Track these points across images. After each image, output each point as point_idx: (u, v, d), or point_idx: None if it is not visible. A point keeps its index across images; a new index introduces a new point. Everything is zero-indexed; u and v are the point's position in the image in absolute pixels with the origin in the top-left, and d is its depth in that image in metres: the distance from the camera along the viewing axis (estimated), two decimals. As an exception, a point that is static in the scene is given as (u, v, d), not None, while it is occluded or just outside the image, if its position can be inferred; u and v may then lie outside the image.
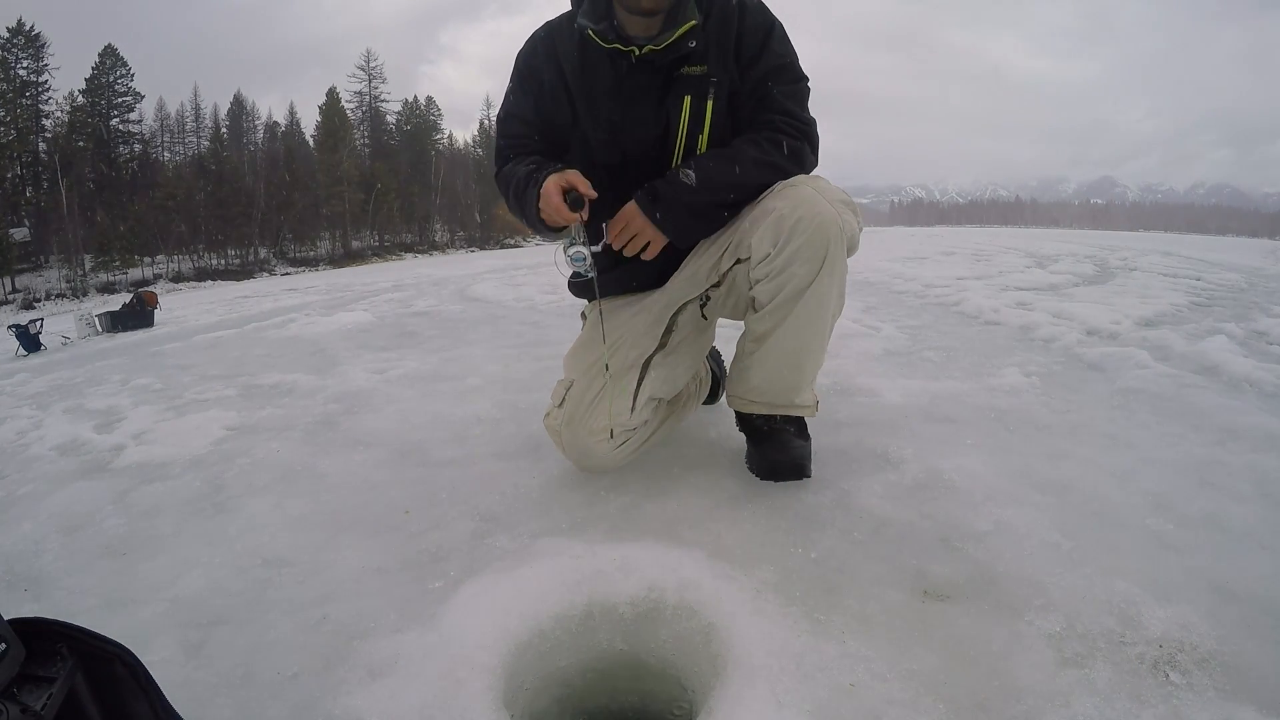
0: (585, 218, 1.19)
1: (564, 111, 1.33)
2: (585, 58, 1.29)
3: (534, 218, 1.25)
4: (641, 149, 1.30)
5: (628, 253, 1.30)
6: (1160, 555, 1.09)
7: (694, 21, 1.22)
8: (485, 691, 0.86)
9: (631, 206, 1.26)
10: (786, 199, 1.20)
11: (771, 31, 1.29)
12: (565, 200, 1.17)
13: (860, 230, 1.27)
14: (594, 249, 1.23)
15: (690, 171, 1.23)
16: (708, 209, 1.27)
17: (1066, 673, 0.85)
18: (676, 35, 1.22)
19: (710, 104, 1.27)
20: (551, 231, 1.25)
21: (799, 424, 1.40)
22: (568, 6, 1.34)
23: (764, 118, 1.27)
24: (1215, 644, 0.88)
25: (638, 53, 1.24)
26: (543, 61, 1.34)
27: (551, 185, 1.18)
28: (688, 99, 1.26)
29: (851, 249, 1.25)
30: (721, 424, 1.69)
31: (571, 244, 1.21)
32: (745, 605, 0.98)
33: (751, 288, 1.28)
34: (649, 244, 1.28)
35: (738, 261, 1.30)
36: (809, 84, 1.33)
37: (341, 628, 1.02)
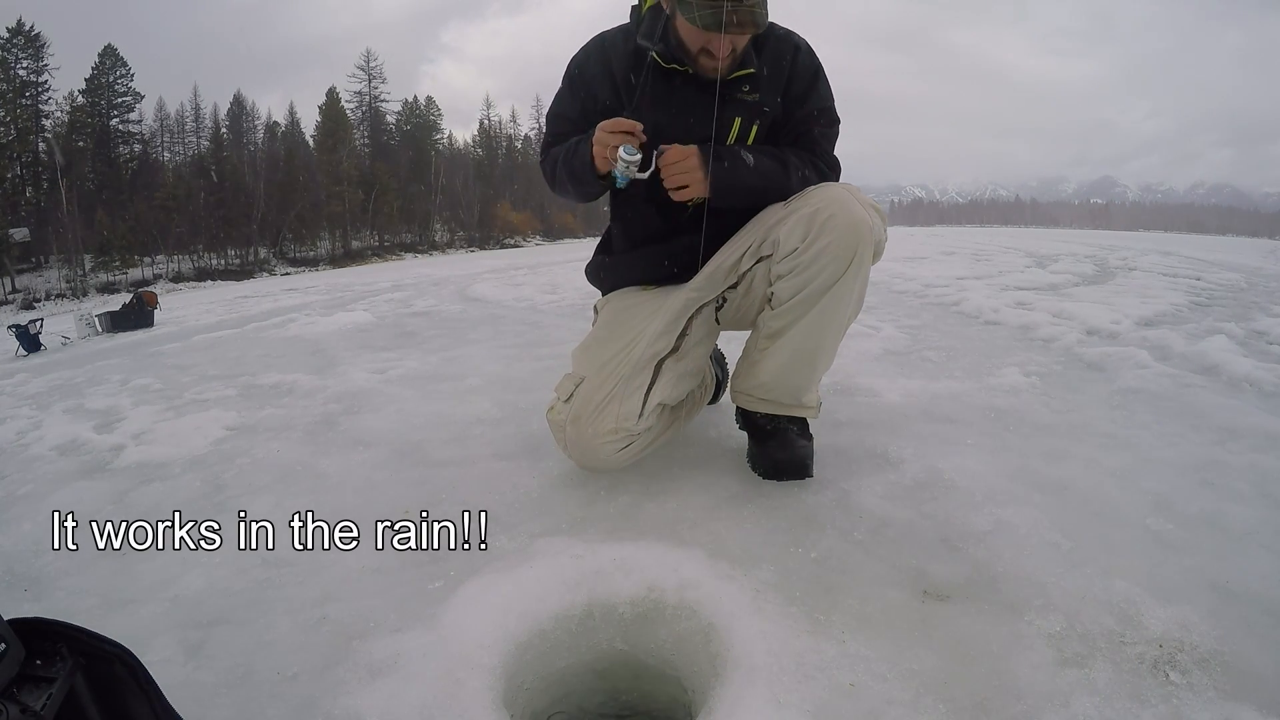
0: (642, 138, 1.24)
1: (616, 113, 1.34)
2: (638, 71, 1.33)
3: (586, 164, 1.29)
4: None
5: (668, 184, 1.29)
6: (1160, 555, 1.09)
7: (752, 70, 1.29)
8: (485, 691, 0.86)
9: (694, 151, 1.27)
10: (819, 198, 1.24)
11: (818, 75, 1.37)
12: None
13: (885, 239, 1.30)
14: (641, 175, 1.24)
15: (750, 156, 1.29)
16: (750, 192, 1.33)
17: (1066, 673, 0.85)
18: (734, 75, 1.28)
19: (756, 128, 1.33)
20: (599, 180, 1.30)
21: (801, 424, 1.41)
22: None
23: (804, 145, 1.35)
24: (1215, 644, 0.88)
25: (692, 70, 1.30)
26: (595, 69, 1.39)
27: (605, 122, 1.24)
28: (738, 120, 1.32)
29: (877, 254, 1.28)
30: (722, 423, 1.69)
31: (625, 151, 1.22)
32: (745, 605, 0.98)
33: (772, 284, 1.29)
34: (687, 186, 1.29)
35: (759, 260, 1.32)
36: (839, 125, 1.40)
37: (341, 628, 1.02)
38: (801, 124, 1.36)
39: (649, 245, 1.44)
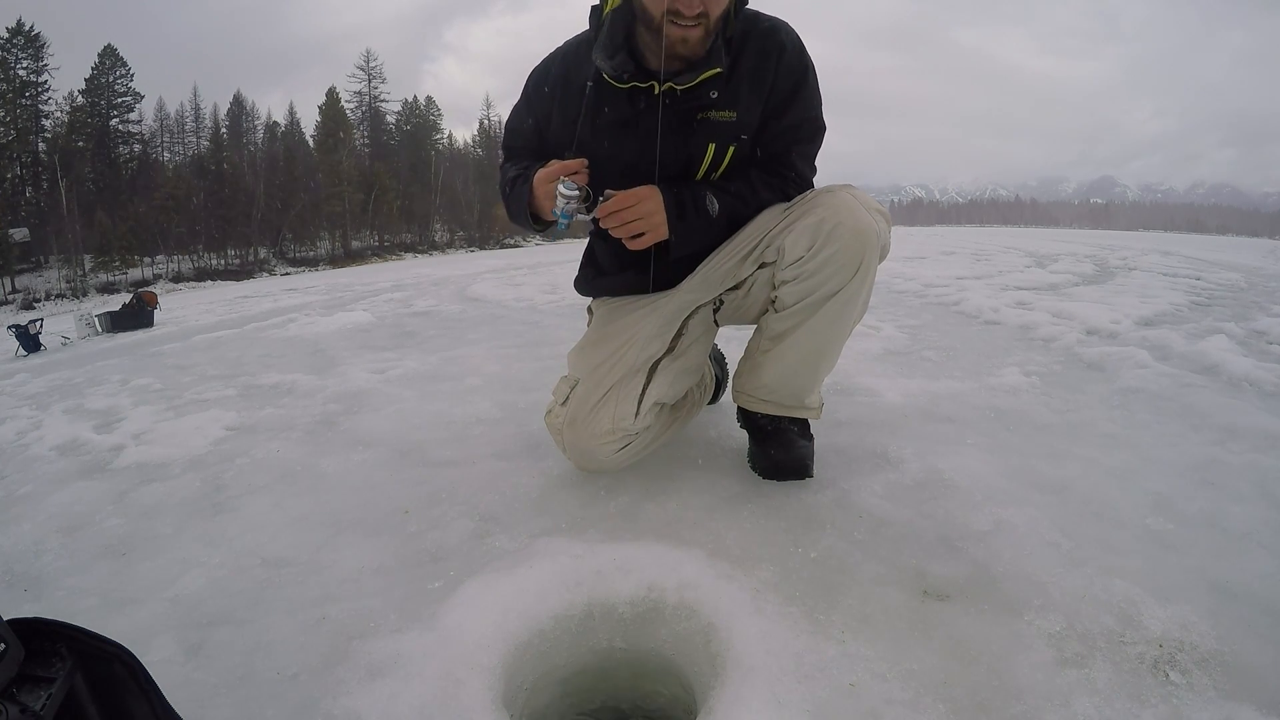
0: (585, 178, 1.18)
1: (568, 141, 1.30)
2: (600, 90, 1.25)
3: (523, 207, 1.27)
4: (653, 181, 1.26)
5: (617, 232, 1.22)
6: (1160, 555, 1.09)
7: (718, 70, 1.19)
8: (485, 691, 0.86)
9: (655, 197, 1.21)
10: (825, 205, 1.20)
11: (805, 80, 1.27)
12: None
13: (890, 241, 1.29)
14: (585, 215, 1.19)
15: (715, 201, 1.24)
16: (716, 237, 1.32)
17: (1066, 673, 0.85)
18: (699, 80, 1.19)
19: (732, 151, 1.26)
20: (539, 223, 1.28)
21: (802, 424, 1.40)
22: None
23: (777, 169, 1.30)
24: (1215, 644, 0.88)
25: (657, 89, 1.21)
26: (555, 87, 1.32)
27: (543, 171, 1.21)
28: (712, 146, 1.25)
29: (882, 255, 1.26)
30: (722, 423, 1.69)
31: (564, 186, 1.15)
32: (745, 605, 0.98)
33: (776, 289, 1.28)
34: (641, 234, 1.22)
35: (761, 266, 1.30)
36: (824, 133, 1.33)
37: (341, 628, 1.02)
38: (778, 141, 1.28)
39: (641, 265, 1.35)
